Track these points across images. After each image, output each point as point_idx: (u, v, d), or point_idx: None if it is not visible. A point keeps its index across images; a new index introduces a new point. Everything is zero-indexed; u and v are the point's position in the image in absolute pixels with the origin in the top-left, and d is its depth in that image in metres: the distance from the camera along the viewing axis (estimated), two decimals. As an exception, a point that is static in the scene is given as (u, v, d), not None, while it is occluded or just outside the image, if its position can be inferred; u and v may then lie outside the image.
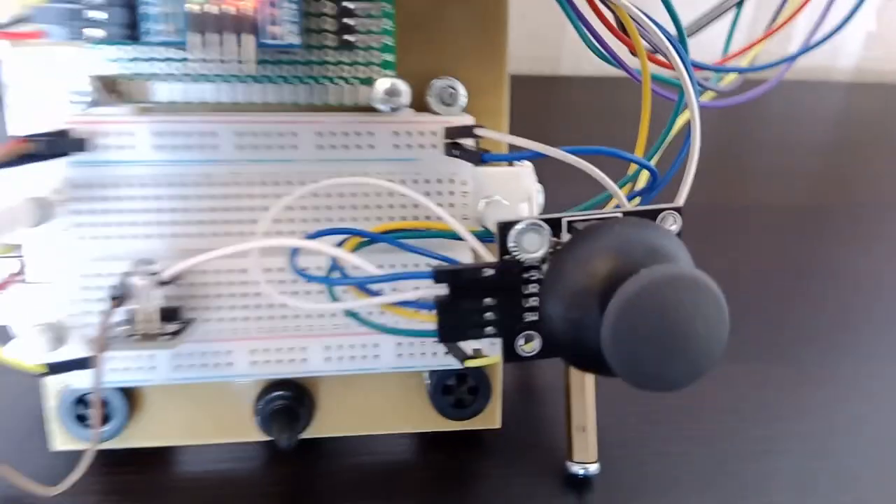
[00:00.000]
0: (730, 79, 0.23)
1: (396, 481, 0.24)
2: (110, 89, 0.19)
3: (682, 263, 0.16)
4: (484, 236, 0.19)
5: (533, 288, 0.16)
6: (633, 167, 0.20)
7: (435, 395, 0.23)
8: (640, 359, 0.14)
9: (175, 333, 0.19)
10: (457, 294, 0.16)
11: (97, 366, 0.18)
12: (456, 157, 0.20)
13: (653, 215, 0.17)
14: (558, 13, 0.19)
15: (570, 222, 0.16)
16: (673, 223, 0.17)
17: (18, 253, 0.20)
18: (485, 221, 0.21)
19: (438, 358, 0.22)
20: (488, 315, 0.16)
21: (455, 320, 0.16)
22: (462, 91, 0.21)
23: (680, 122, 0.21)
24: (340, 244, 0.18)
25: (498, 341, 0.16)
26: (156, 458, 0.23)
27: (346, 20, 0.19)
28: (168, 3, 0.17)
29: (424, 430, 0.24)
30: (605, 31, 0.20)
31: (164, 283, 0.19)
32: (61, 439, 0.22)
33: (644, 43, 0.19)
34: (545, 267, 0.16)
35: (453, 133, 0.20)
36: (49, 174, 0.19)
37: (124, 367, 0.21)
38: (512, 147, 0.19)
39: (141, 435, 0.22)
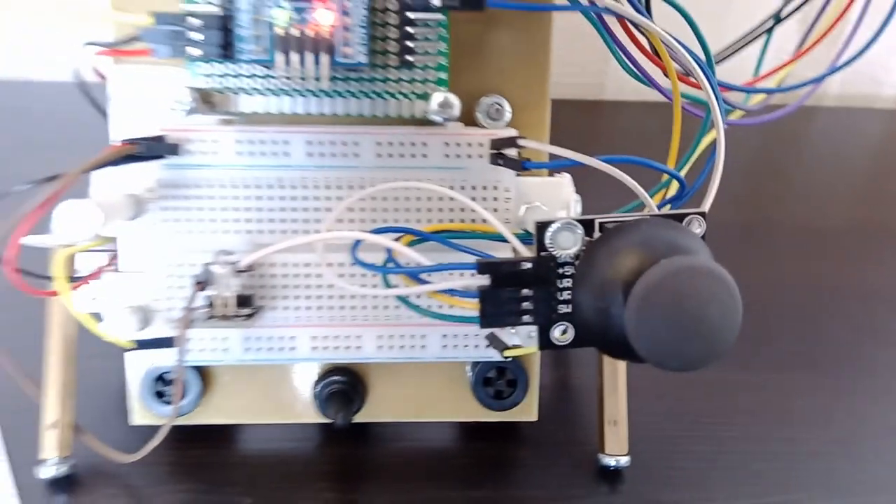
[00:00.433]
0: (758, 99, 0.25)
1: (439, 467, 0.25)
2: (205, 100, 0.21)
3: (701, 258, 0.17)
4: (524, 238, 0.21)
5: (567, 282, 0.18)
6: (664, 177, 0.22)
7: (476, 387, 0.25)
8: (660, 339, 0.16)
9: (248, 317, 0.21)
10: (497, 284, 0.18)
11: (180, 343, 0.21)
12: (500, 165, 0.22)
13: (679, 218, 0.19)
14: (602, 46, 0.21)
15: (601, 223, 0.18)
16: (698, 227, 0.19)
17: (107, 247, 0.22)
18: (525, 225, 0.23)
19: (480, 350, 0.24)
20: (525, 304, 0.18)
21: (495, 308, 0.18)
22: (507, 107, 0.23)
23: (708, 138, 0.22)
24: (395, 241, 0.21)
25: (535, 332, 0.18)
26: (220, 436, 0.26)
27: (407, 42, 0.21)
28: (257, 26, 0.19)
29: (466, 419, 0.26)
30: (641, 56, 0.22)
31: (240, 272, 0.21)
32: (140, 414, 0.25)
33: (675, 65, 0.21)
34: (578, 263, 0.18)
35: (498, 144, 0.22)
36: (144, 174, 0.22)
37: (200, 348, 0.23)
38: (552, 157, 0.21)
39: (211, 413, 0.25)
